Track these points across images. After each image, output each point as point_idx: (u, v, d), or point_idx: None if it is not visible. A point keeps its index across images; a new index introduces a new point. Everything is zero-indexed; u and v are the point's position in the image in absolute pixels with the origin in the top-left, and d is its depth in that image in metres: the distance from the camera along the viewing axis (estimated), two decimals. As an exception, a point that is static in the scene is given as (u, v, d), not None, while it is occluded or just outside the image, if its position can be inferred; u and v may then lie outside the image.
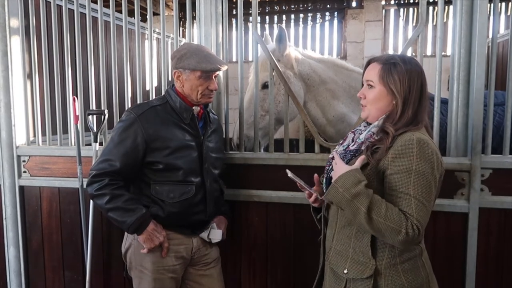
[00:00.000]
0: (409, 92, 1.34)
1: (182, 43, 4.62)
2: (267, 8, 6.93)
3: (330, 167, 1.50)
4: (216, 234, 1.91)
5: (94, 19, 2.54)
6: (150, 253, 1.79)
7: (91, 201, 2.29)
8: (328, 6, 6.75)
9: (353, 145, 1.46)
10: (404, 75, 1.35)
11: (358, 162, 1.34)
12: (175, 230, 1.83)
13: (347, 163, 1.42)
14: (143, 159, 1.76)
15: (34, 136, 2.59)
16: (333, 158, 1.51)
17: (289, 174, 1.55)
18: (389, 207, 1.25)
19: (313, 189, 1.60)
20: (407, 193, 1.26)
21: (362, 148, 1.40)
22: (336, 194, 1.30)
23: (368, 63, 1.46)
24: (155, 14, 6.27)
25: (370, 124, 1.44)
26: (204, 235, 1.90)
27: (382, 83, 1.38)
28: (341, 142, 1.57)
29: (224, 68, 1.83)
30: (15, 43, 2.51)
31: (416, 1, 6.38)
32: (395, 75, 1.35)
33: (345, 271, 1.39)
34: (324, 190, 1.58)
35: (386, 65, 1.38)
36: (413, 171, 1.26)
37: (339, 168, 1.35)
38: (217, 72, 1.82)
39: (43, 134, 2.59)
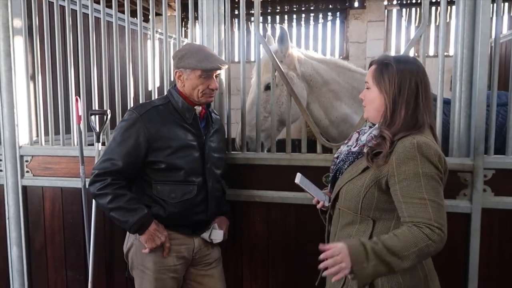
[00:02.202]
0: (399, 92, 1.33)
1: (184, 43, 4.63)
2: (269, 8, 6.93)
3: (336, 166, 1.51)
4: (217, 234, 1.91)
5: (97, 20, 2.54)
6: (152, 253, 1.79)
7: (93, 201, 2.30)
8: (330, 6, 6.75)
9: (355, 147, 1.47)
10: (394, 75, 1.34)
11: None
12: (176, 230, 1.83)
13: (349, 165, 1.44)
14: (145, 158, 1.77)
15: (37, 136, 2.60)
16: (337, 158, 1.52)
17: (297, 180, 1.55)
18: (399, 237, 1.20)
19: (325, 192, 1.61)
20: (421, 198, 1.24)
21: (364, 150, 1.40)
22: (366, 272, 1.18)
23: (370, 64, 1.47)
24: (158, 14, 6.28)
25: (375, 124, 1.45)
26: (205, 235, 1.90)
27: (375, 84, 1.39)
28: (345, 142, 1.58)
29: (225, 67, 1.83)
30: (18, 44, 2.52)
31: (419, 1, 6.37)
32: (385, 75, 1.35)
33: None
34: (330, 189, 1.59)
35: (379, 66, 1.39)
36: (421, 174, 1.25)
37: (341, 252, 1.21)
38: (218, 72, 1.83)
39: (46, 134, 2.60)
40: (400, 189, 1.28)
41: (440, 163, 1.28)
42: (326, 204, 1.57)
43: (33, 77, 2.58)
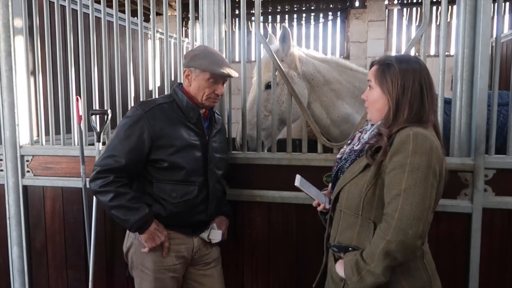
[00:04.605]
0: (402, 93, 1.31)
1: (184, 43, 4.63)
2: (269, 7, 6.93)
3: (337, 167, 1.50)
4: (216, 234, 1.91)
5: (97, 19, 2.54)
6: (151, 253, 1.79)
7: (94, 201, 2.30)
8: (331, 6, 6.74)
9: (357, 145, 1.46)
10: (397, 76, 1.32)
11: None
12: (176, 230, 1.83)
13: (351, 163, 1.43)
14: (147, 156, 1.76)
15: (38, 135, 2.60)
16: (340, 158, 1.51)
17: (297, 183, 1.54)
18: (372, 242, 1.29)
19: (325, 194, 1.60)
20: (398, 189, 1.23)
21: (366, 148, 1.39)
22: (355, 285, 1.30)
23: (371, 64, 1.46)
24: (158, 14, 6.28)
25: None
26: (204, 235, 1.90)
27: (378, 84, 1.37)
28: (348, 142, 1.57)
29: (234, 75, 1.82)
30: (19, 43, 2.52)
31: (420, 0, 6.36)
32: (388, 76, 1.34)
33: None
34: (330, 190, 1.58)
35: (381, 66, 1.38)
36: (407, 165, 1.22)
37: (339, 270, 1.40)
38: (227, 78, 1.82)
39: (47, 133, 2.60)
40: (386, 180, 1.28)
41: (436, 156, 1.25)
42: (327, 206, 1.56)
43: (33, 77, 2.58)
